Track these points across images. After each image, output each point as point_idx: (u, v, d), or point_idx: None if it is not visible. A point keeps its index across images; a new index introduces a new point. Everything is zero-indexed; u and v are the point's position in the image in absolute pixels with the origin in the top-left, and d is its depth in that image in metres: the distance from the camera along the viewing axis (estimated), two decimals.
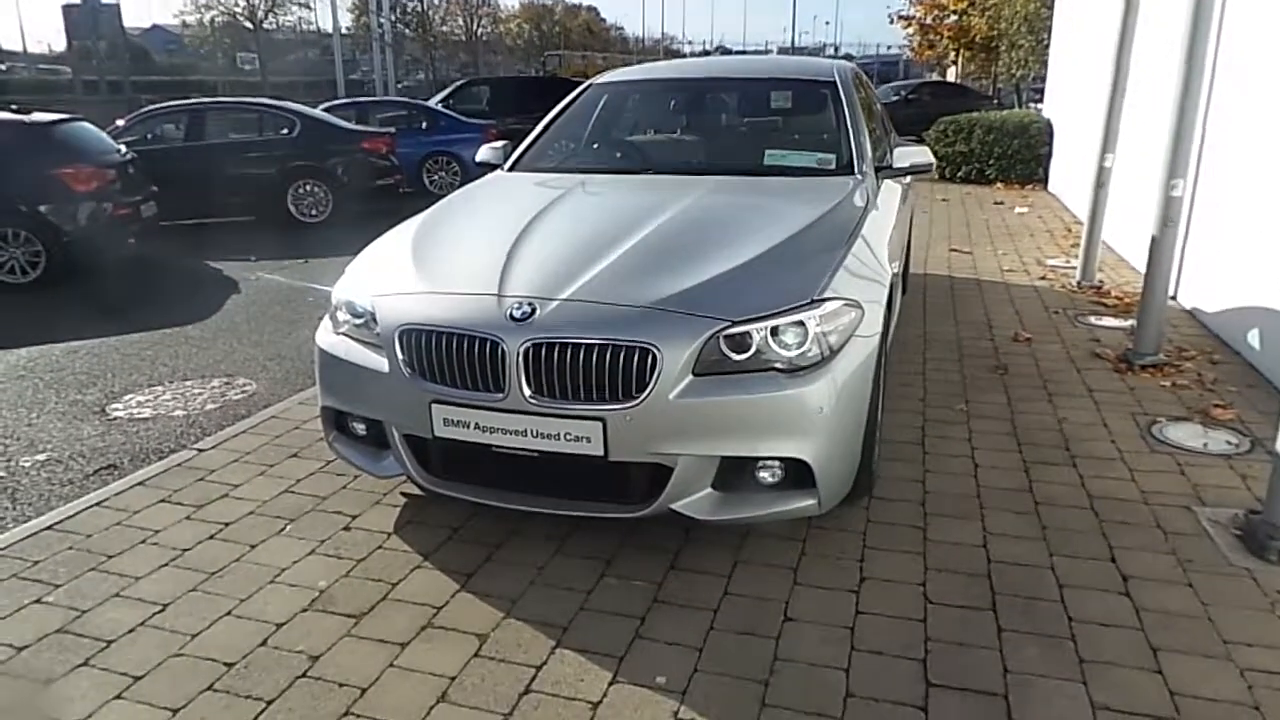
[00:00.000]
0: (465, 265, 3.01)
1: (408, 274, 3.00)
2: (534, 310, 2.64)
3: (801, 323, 2.63)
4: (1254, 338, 4.59)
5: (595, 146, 4.51)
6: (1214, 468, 3.44)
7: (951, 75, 28.60)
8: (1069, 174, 10.30)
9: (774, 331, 2.61)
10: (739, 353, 2.60)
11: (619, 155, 4.47)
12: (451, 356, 2.67)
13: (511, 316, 2.64)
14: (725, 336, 2.59)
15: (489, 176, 4.21)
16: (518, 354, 2.58)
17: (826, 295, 2.71)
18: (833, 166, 3.86)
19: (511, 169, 4.25)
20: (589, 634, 2.49)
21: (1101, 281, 6.38)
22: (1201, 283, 5.45)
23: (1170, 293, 5.65)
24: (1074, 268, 6.72)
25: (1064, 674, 2.28)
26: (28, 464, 3.92)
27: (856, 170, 3.78)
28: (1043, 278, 6.69)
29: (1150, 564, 2.77)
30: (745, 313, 2.61)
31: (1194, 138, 4.37)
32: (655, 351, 2.53)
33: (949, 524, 3.04)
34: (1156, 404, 4.09)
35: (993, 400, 4.17)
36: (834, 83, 4.30)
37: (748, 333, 2.60)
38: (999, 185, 11.86)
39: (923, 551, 2.87)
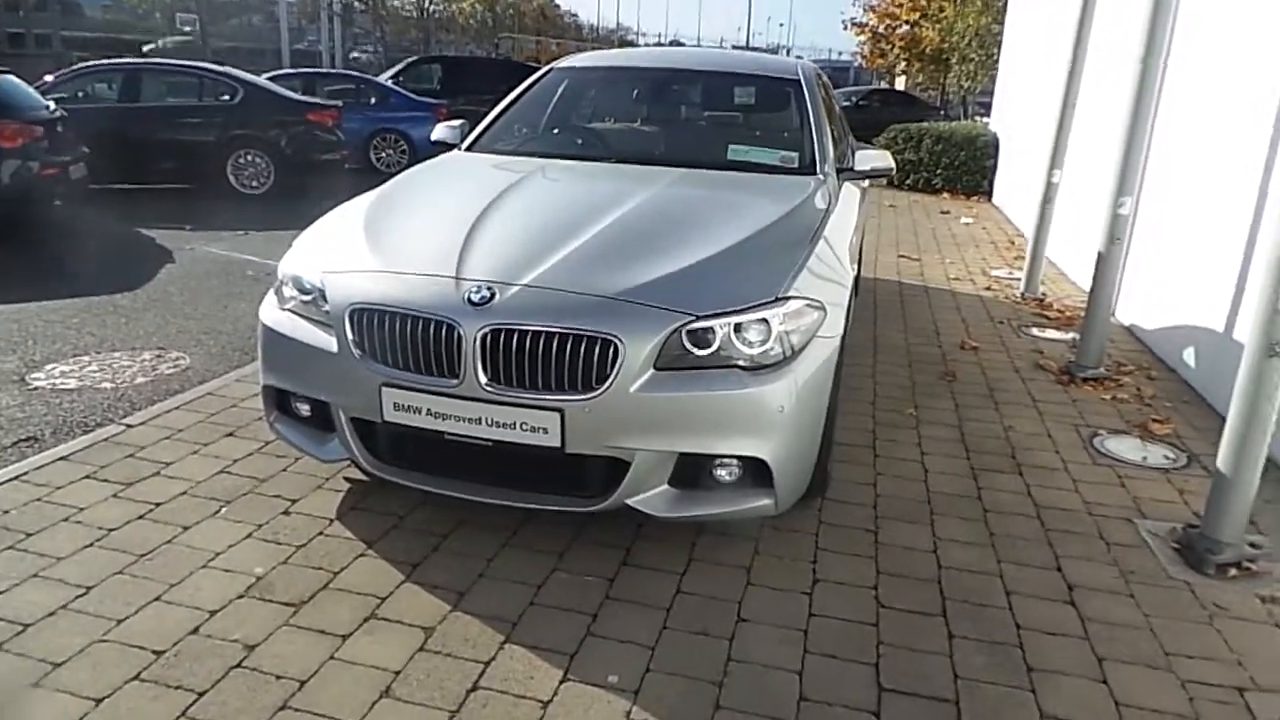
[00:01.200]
0: (422, 245, 2.90)
1: (361, 251, 2.89)
2: (493, 295, 2.56)
3: (765, 320, 2.60)
4: (1189, 356, 4.74)
5: (556, 131, 4.42)
6: (1153, 481, 3.52)
7: (900, 84, 29.07)
8: (1013, 188, 10.53)
9: (737, 328, 2.58)
10: (701, 348, 2.56)
11: (580, 141, 4.39)
12: (405, 339, 2.58)
13: (470, 300, 2.55)
14: (688, 331, 2.54)
15: (446, 155, 4.09)
16: (475, 339, 2.50)
17: (790, 294, 2.69)
18: (795, 165, 3.84)
19: (469, 149, 4.14)
20: (539, 630, 2.42)
21: (1044, 294, 6.52)
22: (1140, 300, 5.61)
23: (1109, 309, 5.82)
24: (1017, 279, 6.86)
25: (1013, 682, 2.30)
26: None
27: (819, 170, 3.77)
28: (987, 288, 6.81)
29: (1094, 574, 2.82)
30: (709, 308, 2.57)
31: (1141, 157, 4.47)
32: (617, 343, 2.47)
33: (900, 528, 3.05)
34: (1097, 416, 4.18)
35: (941, 406, 4.22)
36: (799, 81, 4.30)
37: (711, 328, 2.56)
38: (945, 195, 12.07)
39: (874, 555, 2.87)
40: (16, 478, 3.11)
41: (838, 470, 3.41)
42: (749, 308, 2.60)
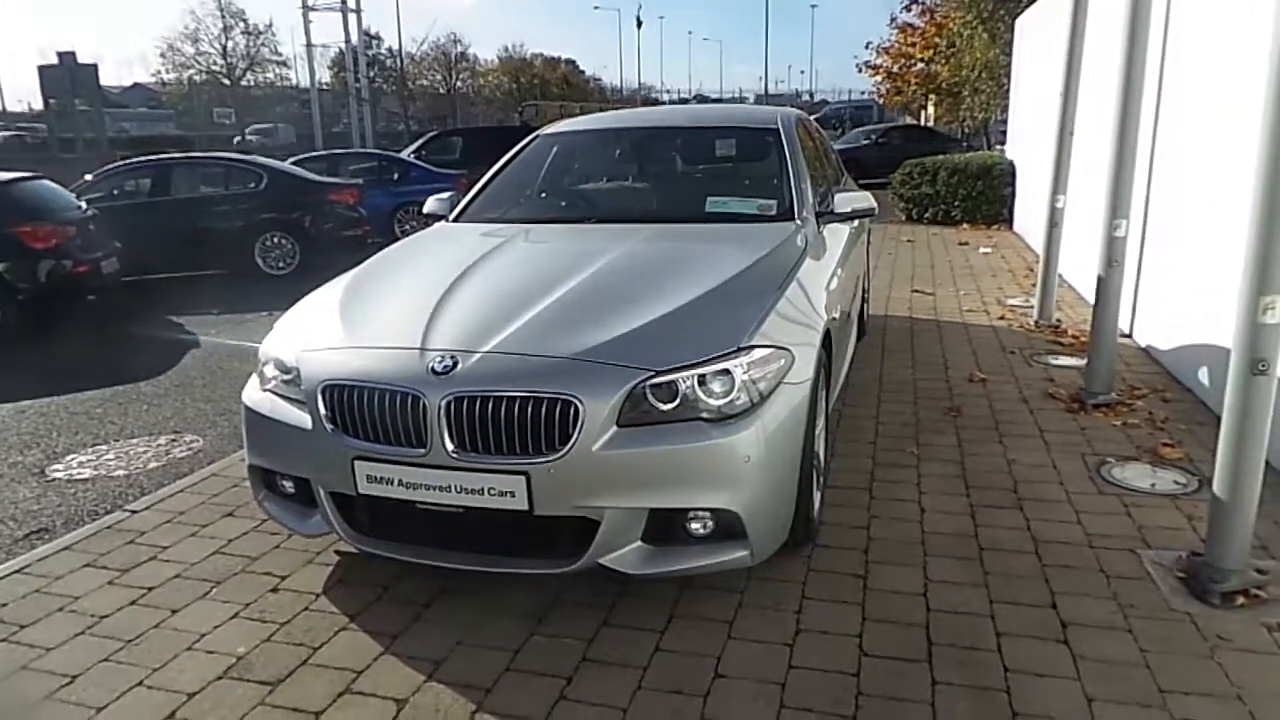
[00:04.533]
0: (391, 319, 2.97)
1: (334, 328, 2.96)
2: (456, 363, 2.60)
3: (728, 371, 2.60)
4: (1203, 375, 4.60)
5: (541, 196, 4.51)
6: (1161, 508, 3.40)
7: (925, 119, 29.05)
8: (1031, 214, 10.42)
9: (700, 380, 2.58)
10: (666, 403, 2.56)
11: (563, 204, 4.47)
12: (373, 412, 2.62)
13: (433, 370, 2.59)
14: (651, 386, 2.55)
15: (431, 228, 4.20)
16: (439, 408, 2.53)
17: (755, 343, 2.69)
18: (773, 212, 3.86)
19: (456, 220, 4.23)
20: (512, 697, 2.40)
21: (1059, 320, 6.40)
22: (1155, 320, 5.48)
23: (1125, 330, 5.70)
24: (1033, 307, 6.75)
25: None
26: None
27: (796, 216, 3.78)
28: (1002, 317, 6.71)
29: (1091, 610, 2.72)
30: (670, 362, 2.58)
31: (1134, 180, 4.41)
32: (577, 403, 2.49)
33: (890, 572, 2.98)
34: (1107, 444, 4.07)
35: (944, 443, 4.13)
36: (777, 130, 4.34)
37: (674, 382, 2.56)
38: (965, 226, 11.98)
39: (861, 601, 2.81)
40: (19, 570, 3.20)
41: (830, 514, 3.36)
42: (711, 359, 2.60)
